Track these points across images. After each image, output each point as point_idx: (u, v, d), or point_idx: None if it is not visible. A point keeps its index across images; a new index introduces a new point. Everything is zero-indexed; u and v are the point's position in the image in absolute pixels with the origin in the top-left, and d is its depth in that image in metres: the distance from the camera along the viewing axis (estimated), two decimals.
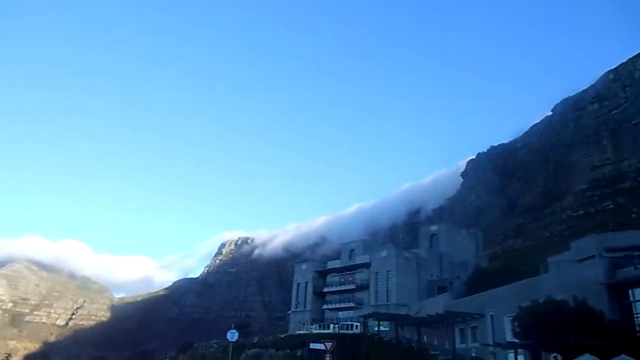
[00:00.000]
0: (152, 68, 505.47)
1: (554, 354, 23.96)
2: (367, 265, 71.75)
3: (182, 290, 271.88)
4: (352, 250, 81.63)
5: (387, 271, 67.46)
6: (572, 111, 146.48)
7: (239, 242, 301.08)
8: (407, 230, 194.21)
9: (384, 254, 70.36)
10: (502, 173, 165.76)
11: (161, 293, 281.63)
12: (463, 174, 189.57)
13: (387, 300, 65.74)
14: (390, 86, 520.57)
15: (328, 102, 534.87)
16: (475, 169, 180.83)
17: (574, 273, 31.74)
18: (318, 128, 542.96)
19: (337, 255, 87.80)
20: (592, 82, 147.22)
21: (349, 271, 75.26)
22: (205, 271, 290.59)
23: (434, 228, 78.46)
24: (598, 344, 23.41)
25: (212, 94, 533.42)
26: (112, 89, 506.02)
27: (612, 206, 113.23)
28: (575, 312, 26.03)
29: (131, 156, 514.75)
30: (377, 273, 69.17)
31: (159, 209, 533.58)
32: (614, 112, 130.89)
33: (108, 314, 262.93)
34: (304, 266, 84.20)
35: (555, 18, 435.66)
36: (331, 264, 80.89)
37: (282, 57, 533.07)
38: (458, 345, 42.10)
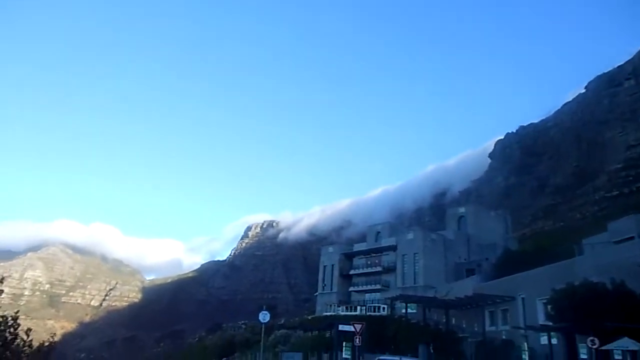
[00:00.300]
0: (181, 50, 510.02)
1: (591, 338, 23.41)
2: (393, 248, 71.64)
3: (210, 273, 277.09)
4: (378, 232, 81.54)
5: (414, 253, 67.22)
6: (606, 88, 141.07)
7: (264, 226, 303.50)
8: (433, 213, 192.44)
9: (410, 236, 70.03)
10: (532, 153, 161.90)
11: (190, 275, 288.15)
12: (491, 155, 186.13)
13: (414, 283, 65.67)
14: (415, 67, 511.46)
15: (352, 83, 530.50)
16: (504, 149, 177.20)
17: (611, 255, 30.80)
18: (342, 110, 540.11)
19: (362, 238, 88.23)
20: (629, 58, 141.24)
21: (375, 253, 75.40)
22: (232, 254, 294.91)
23: (461, 210, 77.53)
24: (637, 327, 22.74)
25: (237, 77, 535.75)
26: (137, 73, 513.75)
27: None
28: (612, 295, 25.28)
29: (158, 140, 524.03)
30: (403, 255, 68.98)
31: (185, 193, 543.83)
32: None
33: (139, 296, 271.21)
34: (330, 249, 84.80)
35: None
36: (357, 247, 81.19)
37: (304, 41, 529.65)
38: (488, 328, 41.70)
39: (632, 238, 32.20)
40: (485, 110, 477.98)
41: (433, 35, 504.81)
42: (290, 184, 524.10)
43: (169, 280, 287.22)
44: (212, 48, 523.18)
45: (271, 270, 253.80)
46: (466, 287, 49.75)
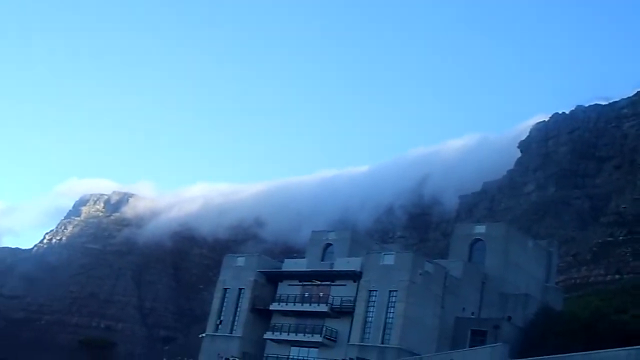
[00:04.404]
0: None
1: None
2: (354, 276, 71.05)
3: None
4: (329, 245, 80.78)
5: (391, 291, 66.68)
6: None
7: (112, 202, 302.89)
8: (412, 226, 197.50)
9: (388, 260, 69.45)
10: (589, 154, 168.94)
11: None
12: (522, 145, 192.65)
13: (383, 341, 65.22)
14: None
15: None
16: (545, 140, 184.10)
17: None
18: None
19: (277, 254, 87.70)
20: None
21: (321, 281, 74.52)
22: (44, 241, 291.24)
23: (480, 229, 78.36)
24: None
25: None
26: None
27: None
28: None
29: None
30: (371, 292, 68.41)
31: None
32: None
33: None
34: (240, 260, 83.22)
35: None
36: (290, 264, 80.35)
37: None
38: None
39: None
40: (521, 71, 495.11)
41: None
42: (163, 140, 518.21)
43: None
44: None
45: (113, 280, 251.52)
46: None
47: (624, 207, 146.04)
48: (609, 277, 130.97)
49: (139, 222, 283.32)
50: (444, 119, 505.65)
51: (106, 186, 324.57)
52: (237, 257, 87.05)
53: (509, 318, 67.28)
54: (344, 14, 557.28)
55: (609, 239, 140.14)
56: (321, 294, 73.72)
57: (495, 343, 57.42)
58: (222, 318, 79.58)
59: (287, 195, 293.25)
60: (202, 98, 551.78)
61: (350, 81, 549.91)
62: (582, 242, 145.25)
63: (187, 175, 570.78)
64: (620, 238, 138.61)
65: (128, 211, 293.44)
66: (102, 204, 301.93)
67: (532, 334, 63.25)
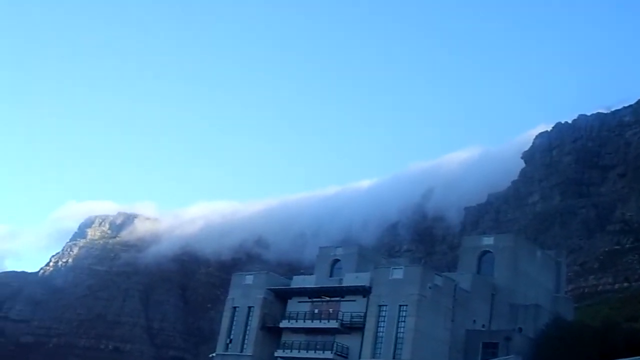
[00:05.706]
0: None
1: None
2: (363, 291, 70.89)
3: (3, 293, 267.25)
4: (336, 261, 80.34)
5: (401, 305, 66.55)
6: None
7: (117, 222, 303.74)
8: (418, 239, 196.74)
9: (397, 274, 69.26)
10: (593, 163, 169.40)
11: None
12: (526, 156, 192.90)
13: (395, 356, 64.89)
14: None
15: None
16: (549, 149, 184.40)
17: None
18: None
19: (281, 274, 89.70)
20: None
21: (331, 297, 74.31)
22: (50, 264, 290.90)
23: (487, 241, 78.17)
24: None
25: None
26: None
27: None
28: None
29: None
30: (381, 306, 68.23)
31: None
32: None
33: None
34: (249, 278, 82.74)
35: None
36: (298, 281, 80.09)
37: None
38: None
39: None
40: (523, 80, 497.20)
41: None
42: (162, 159, 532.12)
43: None
44: None
45: (121, 301, 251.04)
46: None
47: (630, 215, 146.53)
48: (617, 286, 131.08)
49: (142, 243, 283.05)
50: (445, 131, 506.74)
51: (106, 208, 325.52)
52: (246, 275, 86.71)
53: (520, 329, 67.19)
54: (336, 24, 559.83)
55: (616, 247, 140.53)
56: (331, 310, 73.38)
57: (507, 355, 57.30)
58: (231, 337, 79.07)
59: (289, 214, 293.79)
60: (200, 115, 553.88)
61: (349, 95, 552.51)
62: (589, 251, 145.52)
63: (187, 193, 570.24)
64: (627, 246, 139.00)
65: (131, 232, 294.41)
66: (107, 225, 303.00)
67: (543, 345, 62.95)
